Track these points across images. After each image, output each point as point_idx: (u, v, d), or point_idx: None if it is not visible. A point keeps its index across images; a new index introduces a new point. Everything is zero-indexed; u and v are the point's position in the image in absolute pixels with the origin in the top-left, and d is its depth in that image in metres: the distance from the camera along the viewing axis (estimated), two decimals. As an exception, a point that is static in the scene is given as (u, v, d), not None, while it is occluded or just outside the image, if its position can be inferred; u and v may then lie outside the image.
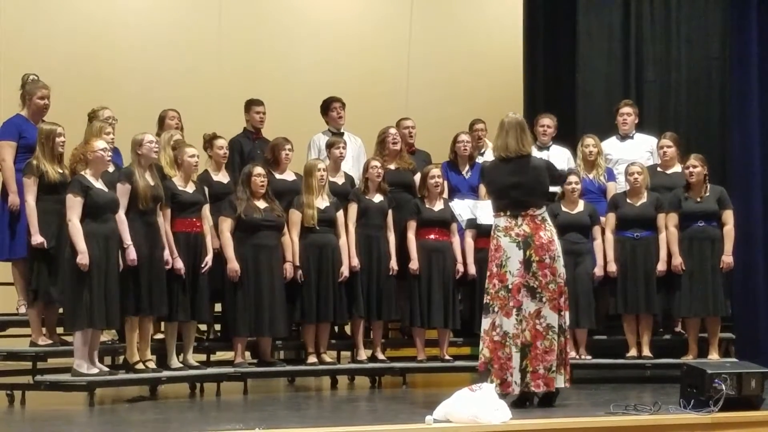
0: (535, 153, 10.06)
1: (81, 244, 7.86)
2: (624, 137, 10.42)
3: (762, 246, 10.21)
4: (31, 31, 12.29)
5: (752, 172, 10.19)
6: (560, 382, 7.54)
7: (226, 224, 9.02)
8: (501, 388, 7.39)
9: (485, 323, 7.59)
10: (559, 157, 10.09)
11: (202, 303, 8.82)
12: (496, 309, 7.53)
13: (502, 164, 7.65)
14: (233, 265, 8.95)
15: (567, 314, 7.66)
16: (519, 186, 7.56)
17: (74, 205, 7.96)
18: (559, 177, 8.45)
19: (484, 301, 7.66)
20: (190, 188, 8.86)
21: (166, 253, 8.53)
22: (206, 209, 8.95)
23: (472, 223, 9.53)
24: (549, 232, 7.62)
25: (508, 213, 7.57)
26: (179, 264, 8.58)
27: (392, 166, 10.05)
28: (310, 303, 9.28)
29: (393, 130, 10.14)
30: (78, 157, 8.25)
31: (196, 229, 8.81)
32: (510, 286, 7.49)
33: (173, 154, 8.93)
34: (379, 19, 14.32)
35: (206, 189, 9.06)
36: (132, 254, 8.24)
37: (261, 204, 9.12)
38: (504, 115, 7.77)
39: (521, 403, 7.46)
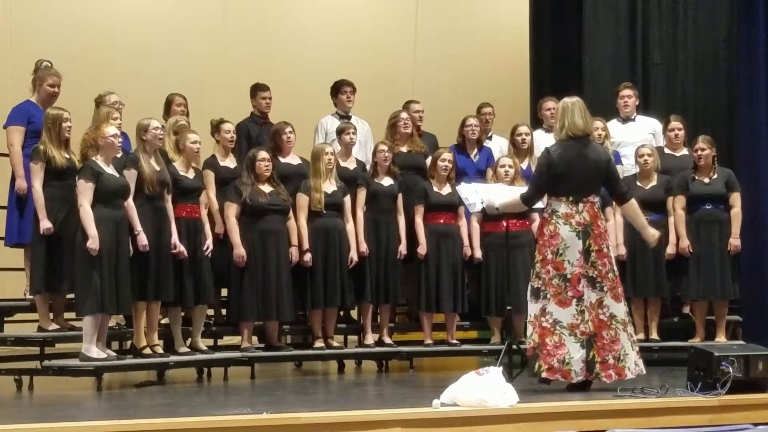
0: (542, 136, 10.09)
1: (92, 229, 7.88)
2: (625, 120, 10.40)
3: (769, 228, 10.18)
4: (38, 18, 12.29)
5: (759, 154, 10.15)
6: (631, 372, 7.43)
7: (232, 209, 9.03)
8: (548, 373, 7.37)
9: (534, 308, 7.45)
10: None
11: (205, 287, 8.83)
12: (548, 296, 7.41)
13: (569, 147, 7.51)
14: (240, 250, 8.96)
15: (624, 303, 7.58)
16: (586, 171, 7.48)
17: (85, 191, 7.97)
18: (619, 188, 7.83)
19: (534, 286, 7.48)
20: (191, 174, 8.87)
21: (174, 237, 8.55)
22: (205, 194, 9.00)
23: (477, 208, 9.45)
24: (604, 221, 7.59)
25: (571, 198, 7.45)
26: (181, 247, 8.60)
27: (404, 149, 10.06)
28: (318, 288, 9.29)
29: (404, 114, 10.13)
30: (89, 142, 8.24)
31: (196, 214, 8.84)
32: (569, 276, 7.37)
33: (175, 139, 8.95)
34: (386, 3, 14.31)
35: (212, 174, 9.09)
36: (143, 240, 8.27)
37: (266, 188, 9.12)
38: (561, 101, 7.68)
39: (582, 386, 7.44)
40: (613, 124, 10.37)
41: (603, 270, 7.45)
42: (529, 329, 7.49)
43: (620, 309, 7.49)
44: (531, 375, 7.49)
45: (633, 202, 7.98)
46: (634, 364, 7.48)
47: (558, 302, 7.40)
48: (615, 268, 7.55)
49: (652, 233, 7.92)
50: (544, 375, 7.36)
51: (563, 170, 7.48)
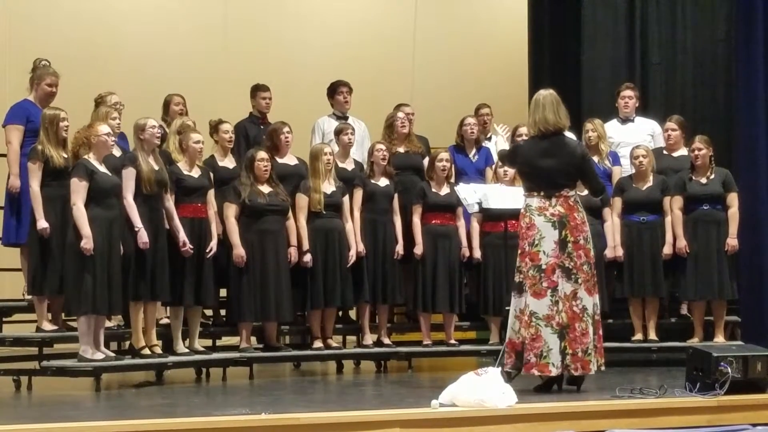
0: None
1: (86, 228, 7.86)
2: (625, 120, 10.41)
3: (768, 228, 10.19)
4: (38, 17, 12.28)
5: (758, 154, 10.13)
6: (594, 366, 7.48)
7: (231, 210, 9.02)
8: (524, 368, 7.41)
9: (519, 302, 7.48)
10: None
11: (206, 288, 8.83)
12: (526, 288, 7.43)
13: (537, 143, 7.54)
14: (239, 251, 8.95)
15: (597, 298, 7.61)
16: (554, 167, 7.46)
17: (79, 189, 7.95)
18: (595, 184, 7.83)
19: (516, 280, 7.53)
20: (195, 173, 8.86)
21: (182, 235, 8.54)
22: (211, 194, 8.96)
23: (475, 209, 9.45)
24: (582, 214, 7.57)
25: (542, 193, 7.47)
26: (188, 245, 8.61)
27: (401, 149, 10.06)
28: (316, 288, 9.28)
29: (401, 114, 10.14)
30: (81, 140, 8.21)
31: (200, 214, 8.82)
32: (543, 267, 7.39)
33: (179, 139, 8.95)
34: (385, 4, 14.32)
35: (211, 174, 9.07)
36: (143, 237, 8.24)
37: (265, 189, 9.11)
38: (537, 93, 7.67)
39: (547, 387, 7.46)
40: (613, 125, 10.38)
41: (578, 262, 7.45)
42: (516, 324, 7.50)
43: (591, 303, 7.51)
44: (515, 369, 7.49)
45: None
46: (598, 362, 7.51)
47: (533, 294, 7.41)
48: (591, 262, 7.55)
49: None
50: (526, 371, 7.39)
51: (527, 169, 7.57)
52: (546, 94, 7.63)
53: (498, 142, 9.14)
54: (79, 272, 7.89)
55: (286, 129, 9.56)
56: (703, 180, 9.52)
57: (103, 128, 8.18)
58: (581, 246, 7.49)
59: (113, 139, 8.32)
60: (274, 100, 10.38)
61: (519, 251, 7.56)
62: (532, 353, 7.37)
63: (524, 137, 9.82)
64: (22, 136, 8.75)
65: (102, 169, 8.11)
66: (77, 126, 8.53)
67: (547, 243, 7.42)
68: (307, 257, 9.25)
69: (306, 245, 9.26)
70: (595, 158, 9.80)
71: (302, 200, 9.33)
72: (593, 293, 7.54)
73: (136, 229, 8.24)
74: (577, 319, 7.42)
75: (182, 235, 8.56)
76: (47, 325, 8.53)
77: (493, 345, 9.56)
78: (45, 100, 8.87)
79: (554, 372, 7.39)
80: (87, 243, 7.84)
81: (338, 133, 9.87)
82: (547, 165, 7.48)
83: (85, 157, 8.09)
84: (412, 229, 9.71)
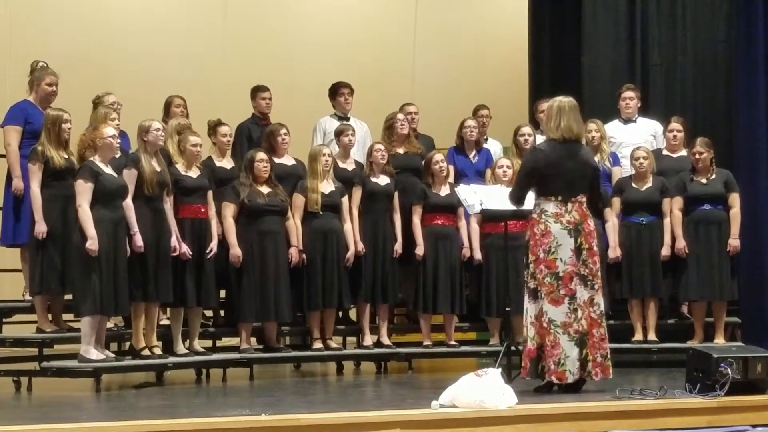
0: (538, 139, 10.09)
1: (91, 229, 7.86)
2: (627, 121, 10.42)
3: (769, 229, 10.19)
4: (37, 18, 12.31)
5: (759, 155, 10.16)
6: (611, 371, 7.51)
7: (229, 210, 9.02)
8: (546, 374, 7.38)
9: (533, 309, 7.45)
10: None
11: (208, 289, 8.83)
12: (542, 295, 7.41)
13: (557, 147, 7.49)
14: (235, 251, 8.95)
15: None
16: (574, 171, 7.47)
17: (84, 191, 7.95)
18: (597, 197, 7.83)
19: (531, 286, 7.47)
20: (194, 173, 8.86)
21: (173, 240, 8.53)
22: (211, 195, 8.96)
23: (476, 209, 9.43)
24: (593, 220, 7.61)
25: (559, 198, 7.43)
26: (185, 248, 8.59)
27: (401, 150, 10.06)
28: (316, 289, 9.28)
29: (401, 115, 10.14)
30: (87, 142, 8.22)
31: (200, 214, 8.82)
32: (561, 274, 7.37)
33: (178, 140, 8.95)
34: (385, 4, 14.32)
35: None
36: (139, 241, 8.23)
37: (264, 189, 9.11)
38: (556, 100, 7.61)
39: (547, 388, 7.45)
40: (615, 125, 10.39)
41: (594, 268, 7.47)
42: (531, 331, 7.49)
43: (605, 307, 7.55)
44: (533, 377, 7.49)
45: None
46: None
47: (551, 301, 7.39)
48: (600, 266, 7.60)
49: None
50: (548, 377, 7.37)
51: (551, 171, 7.48)
52: (567, 101, 7.58)
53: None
54: (86, 273, 7.90)
55: (283, 131, 9.57)
56: (704, 180, 9.52)
57: (109, 131, 8.18)
58: (594, 252, 7.51)
59: (118, 141, 8.32)
60: (275, 101, 10.39)
61: (532, 257, 7.49)
62: (551, 360, 7.37)
63: (526, 137, 9.88)
64: (20, 137, 8.75)
65: (108, 170, 8.12)
66: (78, 126, 8.53)
67: (564, 251, 7.41)
68: (303, 256, 9.25)
69: (301, 244, 9.26)
70: (597, 158, 9.80)
71: (299, 200, 9.34)
72: (603, 298, 7.58)
73: (132, 233, 8.22)
74: (595, 325, 7.43)
75: (174, 240, 8.54)
76: (47, 326, 8.53)
77: (493, 346, 9.56)
78: (45, 101, 8.87)
79: (571, 379, 7.38)
80: (92, 244, 7.84)
81: (339, 133, 9.88)
82: (570, 168, 7.47)
83: (91, 158, 8.09)
84: (412, 229, 9.71)
